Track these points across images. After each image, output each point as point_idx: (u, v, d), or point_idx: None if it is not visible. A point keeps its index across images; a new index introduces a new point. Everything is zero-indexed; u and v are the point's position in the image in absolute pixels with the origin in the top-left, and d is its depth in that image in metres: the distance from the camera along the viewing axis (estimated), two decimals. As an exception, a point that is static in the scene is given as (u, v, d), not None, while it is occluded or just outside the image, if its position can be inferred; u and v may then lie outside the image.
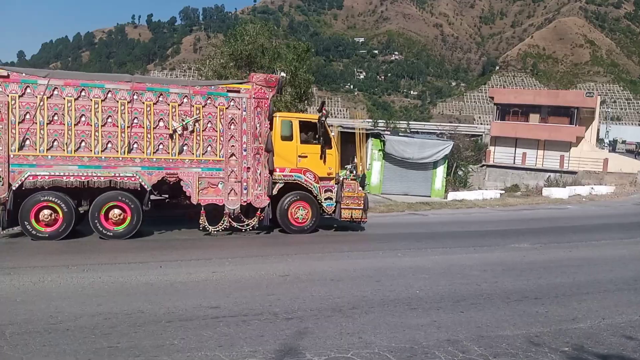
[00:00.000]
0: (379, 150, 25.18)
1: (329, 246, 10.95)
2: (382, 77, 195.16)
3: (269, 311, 6.18)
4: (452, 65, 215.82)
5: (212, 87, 11.28)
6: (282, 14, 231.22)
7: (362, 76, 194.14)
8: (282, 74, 24.59)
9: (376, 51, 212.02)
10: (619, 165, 38.37)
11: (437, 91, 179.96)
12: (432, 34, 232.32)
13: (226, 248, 10.27)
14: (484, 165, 43.17)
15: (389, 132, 31.79)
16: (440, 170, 26.40)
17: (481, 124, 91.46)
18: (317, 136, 12.32)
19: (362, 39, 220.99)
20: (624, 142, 57.49)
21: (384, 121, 60.13)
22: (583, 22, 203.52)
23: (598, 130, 50.16)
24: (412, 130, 54.66)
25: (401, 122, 67.02)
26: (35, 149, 9.91)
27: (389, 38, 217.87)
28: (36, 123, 9.89)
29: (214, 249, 10.10)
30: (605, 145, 52.43)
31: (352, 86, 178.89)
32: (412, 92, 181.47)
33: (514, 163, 42.42)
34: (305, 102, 25.02)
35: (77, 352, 4.81)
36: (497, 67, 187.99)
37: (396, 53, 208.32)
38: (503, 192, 27.72)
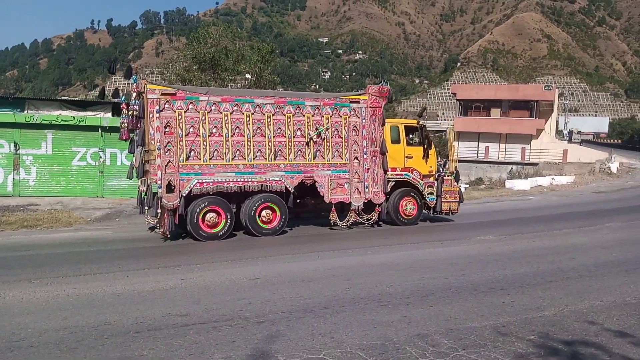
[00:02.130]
0: None
1: (299, 247, 10.95)
2: (347, 76, 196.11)
3: (240, 316, 6.13)
4: (415, 63, 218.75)
5: (338, 98, 12.69)
6: (245, 15, 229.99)
7: (327, 76, 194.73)
8: (247, 75, 24.32)
9: (340, 51, 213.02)
10: (578, 156, 39.58)
11: (401, 89, 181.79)
12: (394, 33, 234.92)
13: (194, 254, 10.15)
14: (448, 160, 43.75)
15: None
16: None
17: (445, 120, 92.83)
18: (419, 138, 13.98)
19: (325, 39, 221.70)
20: (579, 132, 59.58)
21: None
22: (540, 17, 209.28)
23: (557, 122, 51.67)
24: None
25: None
26: (200, 159, 10.96)
27: (352, 37, 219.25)
28: (199, 135, 10.94)
29: (182, 256, 9.96)
30: (565, 136, 54.09)
31: (317, 86, 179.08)
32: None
33: (477, 157, 43.28)
34: None
35: (42, 369, 4.67)
36: (459, 64, 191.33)
37: (360, 52, 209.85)
38: (467, 185, 28.20)
